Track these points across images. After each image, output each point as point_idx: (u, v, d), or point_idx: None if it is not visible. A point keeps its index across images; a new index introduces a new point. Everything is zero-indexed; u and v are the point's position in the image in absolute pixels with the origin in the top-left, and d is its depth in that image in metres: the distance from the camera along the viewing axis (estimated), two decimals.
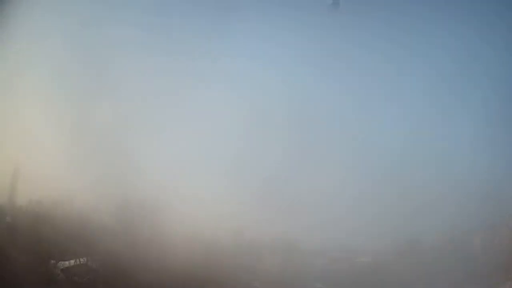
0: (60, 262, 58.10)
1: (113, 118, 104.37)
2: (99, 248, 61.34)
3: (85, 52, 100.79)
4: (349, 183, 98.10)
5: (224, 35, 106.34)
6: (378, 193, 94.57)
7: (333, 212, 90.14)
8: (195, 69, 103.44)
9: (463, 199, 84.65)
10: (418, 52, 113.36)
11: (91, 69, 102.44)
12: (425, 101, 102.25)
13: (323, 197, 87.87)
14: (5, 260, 49.09)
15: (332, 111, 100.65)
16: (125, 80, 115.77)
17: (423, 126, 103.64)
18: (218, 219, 73.37)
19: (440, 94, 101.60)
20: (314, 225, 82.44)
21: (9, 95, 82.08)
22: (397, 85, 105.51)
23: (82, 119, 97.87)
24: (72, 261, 59.20)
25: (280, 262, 78.00)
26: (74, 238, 61.80)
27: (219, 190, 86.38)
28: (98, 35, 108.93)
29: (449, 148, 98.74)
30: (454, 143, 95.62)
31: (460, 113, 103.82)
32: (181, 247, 63.23)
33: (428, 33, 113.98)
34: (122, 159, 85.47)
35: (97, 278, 59.17)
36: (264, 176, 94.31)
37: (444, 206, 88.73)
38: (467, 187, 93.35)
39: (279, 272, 77.01)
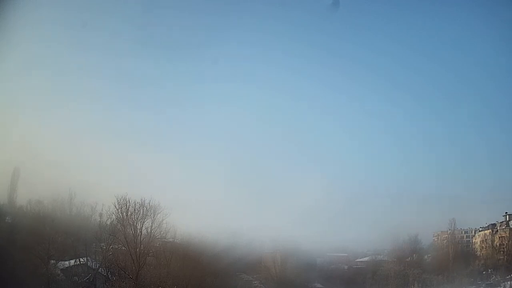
0: (60, 262, 57.94)
1: (114, 121, 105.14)
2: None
3: (81, 56, 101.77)
4: (348, 186, 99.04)
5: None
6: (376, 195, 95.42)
7: (332, 213, 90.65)
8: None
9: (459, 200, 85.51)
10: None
11: (86, 72, 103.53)
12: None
13: (322, 199, 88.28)
14: (5, 260, 48.85)
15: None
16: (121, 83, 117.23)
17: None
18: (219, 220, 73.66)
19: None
20: (314, 226, 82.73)
21: (10, 96, 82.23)
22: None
23: (82, 120, 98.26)
24: (72, 261, 59.08)
25: (280, 262, 78.07)
26: (74, 238, 61.67)
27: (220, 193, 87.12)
28: (95, 39, 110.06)
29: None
30: None
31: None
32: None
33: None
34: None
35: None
36: (263, 179, 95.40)
37: (442, 206, 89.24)
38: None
39: (279, 272, 77.06)
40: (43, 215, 64.15)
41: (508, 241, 79.80)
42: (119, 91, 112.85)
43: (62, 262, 58.47)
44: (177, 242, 63.74)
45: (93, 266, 60.39)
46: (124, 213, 56.97)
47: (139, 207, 57.17)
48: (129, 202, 57.01)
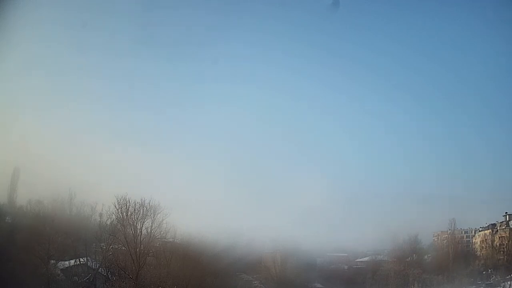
0: (60, 262, 57.99)
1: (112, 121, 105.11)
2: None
3: (81, 55, 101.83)
4: (348, 186, 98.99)
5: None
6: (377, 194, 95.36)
7: (332, 213, 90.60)
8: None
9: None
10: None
11: (86, 72, 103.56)
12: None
13: (322, 199, 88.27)
14: (5, 260, 48.94)
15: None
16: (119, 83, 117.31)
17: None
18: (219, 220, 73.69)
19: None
20: (314, 226, 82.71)
21: (10, 96, 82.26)
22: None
23: (82, 120, 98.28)
24: (72, 261, 59.15)
25: (280, 262, 78.01)
26: (74, 238, 61.66)
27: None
28: (95, 39, 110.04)
29: None
30: None
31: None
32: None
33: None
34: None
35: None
36: (263, 179, 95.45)
37: (442, 206, 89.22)
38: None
39: (279, 272, 77.00)
40: (43, 215, 64.26)
41: (508, 241, 79.74)
42: (119, 91, 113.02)
43: (62, 262, 58.49)
44: (177, 242, 63.73)
45: (93, 266, 60.43)
46: (124, 213, 56.96)
47: (139, 207, 57.20)
48: (129, 202, 57.06)
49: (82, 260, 59.39)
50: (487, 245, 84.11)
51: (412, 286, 76.54)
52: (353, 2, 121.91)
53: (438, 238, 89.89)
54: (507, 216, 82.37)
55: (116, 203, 57.02)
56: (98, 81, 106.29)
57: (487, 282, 75.71)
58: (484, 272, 78.87)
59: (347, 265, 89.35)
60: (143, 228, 56.79)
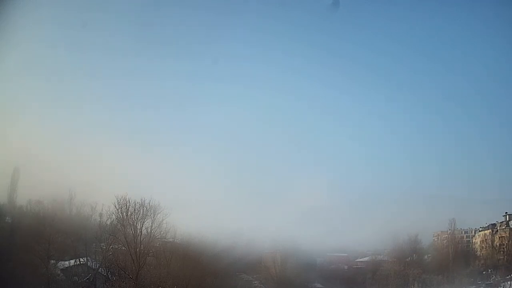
0: (60, 262, 58.05)
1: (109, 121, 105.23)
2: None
3: (81, 55, 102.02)
4: (348, 186, 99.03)
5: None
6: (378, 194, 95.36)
7: (332, 213, 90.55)
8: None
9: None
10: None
11: (86, 71, 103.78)
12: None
13: (322, 199, 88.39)
14: (5, 260, 48.98)
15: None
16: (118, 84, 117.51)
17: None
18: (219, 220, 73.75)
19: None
20: (314, 226, 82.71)
21: (10, 96, 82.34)
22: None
23: (82, 120, 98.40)
24: (72, 261, 59.20)
25: (280, 262, 78.02)
26: (74, 238, 61.69)
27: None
28: (94, 38, 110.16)
29: None
30: None
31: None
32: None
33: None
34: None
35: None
36: (264, 179, 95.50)
37: (442, 206, 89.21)
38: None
39: (279, 272, 76.99)
40: (43, 215, 64.31)
41: (508, 241, 79.75)
42: (119, 91, 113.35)
43: (62, 262, 58.59)
44: (177, 242, 63.73)
45: (93, 266, 60.48)
46: (124, 213, 56.92)
47: (139, 207, 57.16)
48: (129, 202, 57.01)
49: (82, 260, 59.43)
50: (487, 245, 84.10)
51: (412, 286, 76.59)
52: (353, 2, 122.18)
53: (438, 238, 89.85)
54: (507, 216, 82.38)
55: (116, 203, 57.06)
56: (98, 81, 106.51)
57: (487, 282, 75.71)
58: (484, 272, 78.89)
59: (347, 265, 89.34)
60: (143, 228, 56.80)
